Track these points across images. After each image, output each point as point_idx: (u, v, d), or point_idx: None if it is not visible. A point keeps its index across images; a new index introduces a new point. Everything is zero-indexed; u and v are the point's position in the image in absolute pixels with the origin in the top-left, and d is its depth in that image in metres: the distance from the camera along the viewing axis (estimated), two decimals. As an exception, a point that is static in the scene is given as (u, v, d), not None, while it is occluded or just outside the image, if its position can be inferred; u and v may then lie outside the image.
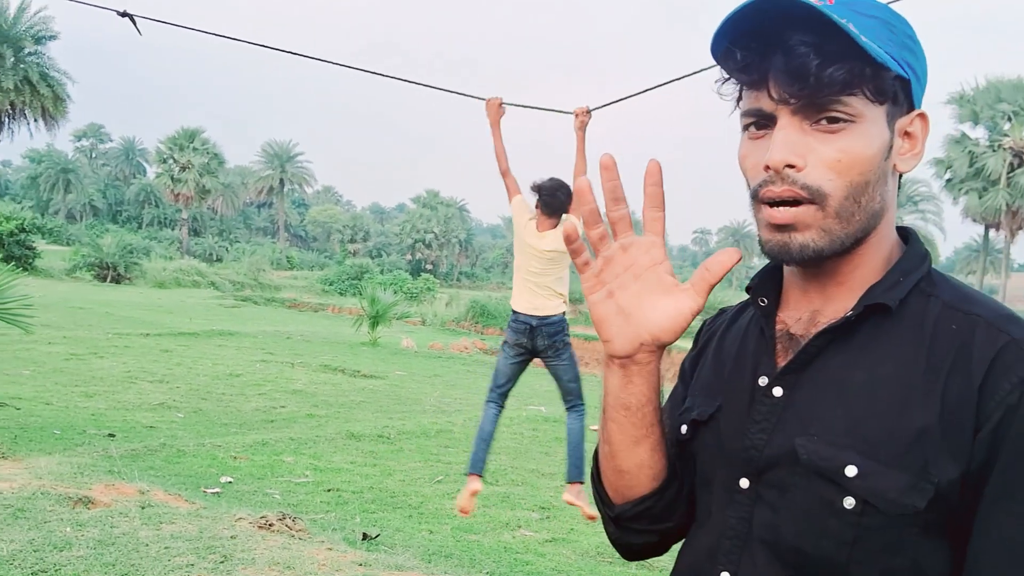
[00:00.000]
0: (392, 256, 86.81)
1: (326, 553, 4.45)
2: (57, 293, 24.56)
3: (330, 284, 50.63)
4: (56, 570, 3.79)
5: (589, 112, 5.17)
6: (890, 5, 1.01)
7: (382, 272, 56.78)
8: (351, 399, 11.96)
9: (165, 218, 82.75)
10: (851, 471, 0.88)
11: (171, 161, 64.71)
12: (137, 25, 5.73)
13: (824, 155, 0.91)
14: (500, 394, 5.64)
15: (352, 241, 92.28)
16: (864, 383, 0.91)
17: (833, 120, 0.91)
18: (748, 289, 1.07)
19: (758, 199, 0.95)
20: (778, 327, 1.02)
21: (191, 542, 4.31)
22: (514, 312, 5.49)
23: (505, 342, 5.57)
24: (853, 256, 0.96)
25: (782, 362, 0.99)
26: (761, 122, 0.95)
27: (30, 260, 34.03)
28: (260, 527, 4.65)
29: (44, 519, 4.36)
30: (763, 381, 0.99)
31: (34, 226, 37.83)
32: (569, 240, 0.97)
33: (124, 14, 5.71)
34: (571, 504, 5.68)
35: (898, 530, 0.87)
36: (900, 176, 1.00)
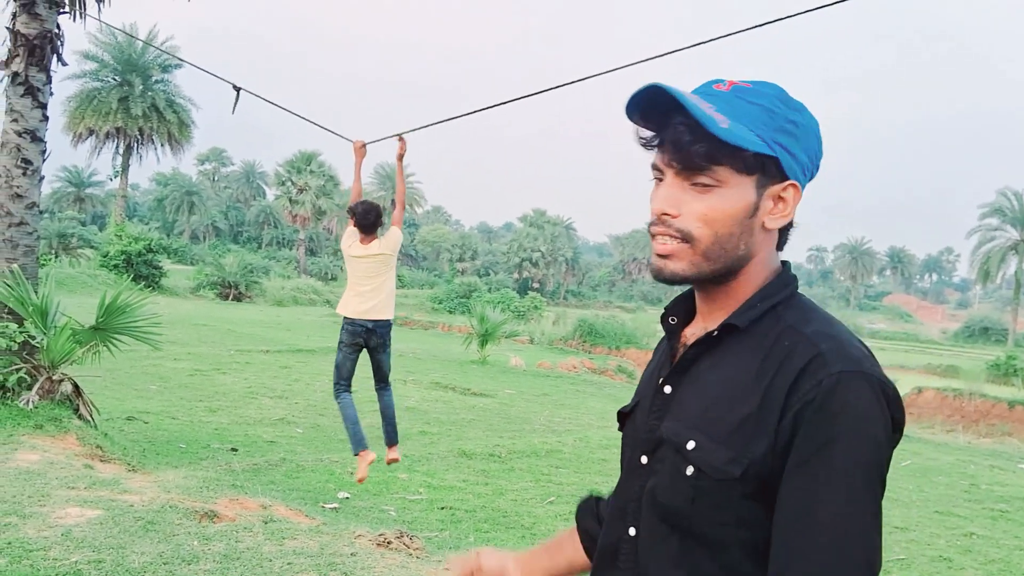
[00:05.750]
0: (499, 275, 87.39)
1: (443, 573, 4.44)
2: (182, 311, 25.66)
3: (439, 302, 51.29)
4: (185, 582, 3.88)
5: (364, 145, 6.60)
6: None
7: (490, 290, 57.14)
8: (462, 417, 12.03)
9: (283, 238, 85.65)
10: (691, 445, 1.16)
11: (289, 183, 66.94)
12: (237, 102, 6.77)
13: (695, 209, 1.17)
14: (347, 384, 6.65)
15: (460, 260, 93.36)
16: (715, 382, 1.18)
17: (703, 184, 1.16)
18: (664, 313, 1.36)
19: (650, 232, 1.22)
20: (682, 339, 1.30)
21: (313, 558, 4.36)
22: (349, 319, 6.43)
23: (342, 342, 6.54)
24: (729, 286, 1.23)
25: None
26: (659, 174, 1.21)
27: (157, 279, 35.68)
28: (379, 544, 4.67)
29: (172, 532, 4.49)
30: (661, 380, 1.27)
31: (160, 246, 39.64)
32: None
33: (237, 88, 6.94)
34: (394, 460, 6.99)
35: (724, 493, 1.12)
36: (786, 230, 1.25)
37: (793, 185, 1.20)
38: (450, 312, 46.55)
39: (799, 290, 1.27)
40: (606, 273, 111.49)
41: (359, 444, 6.57)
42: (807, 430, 1.07)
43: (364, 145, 6.64)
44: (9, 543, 4.06)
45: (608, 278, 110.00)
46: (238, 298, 37.66)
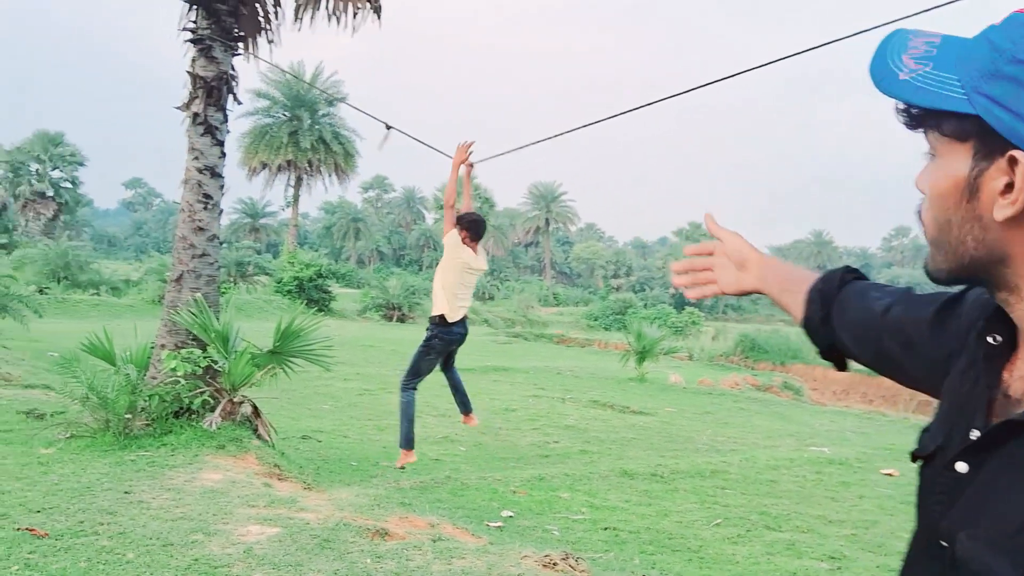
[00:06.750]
0: (655, 290, 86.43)
1: None
2: (350, 332, 26.71)
3: (595, 319, 51.28)
4: (358, 599, 3.99)
5: (471, 166, 6.87)
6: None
7: (645, 306, 56.65)
8: (622, 435, 11.89)
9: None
10: None
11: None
12: (386, 139, 7.54)
13: (921, 185, 0.93)
14: (418, 384, 7.12)
15: (615, 276, 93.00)
16: None
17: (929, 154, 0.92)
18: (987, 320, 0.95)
19: None
20: (1004, 375, 0.91)
21: (480, 579, 4.39)
22: (449, 323, 6.71)
23: (434, 349, 6.84)
24: (1013, 306, 0.89)
25: (997, 421, 0.88)
26: None
27: (327, 303, 37.43)
28: (545, 566, 4.66)
29: (347, 550, 4.63)
30: (975, 435, 0.89)
31: (329, 271, 41.59)
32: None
33: (388, 127, 7.49)
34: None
35: None
36: None
37: (1012, 158, 0.82)
38: (606, 329, 46.45)
39: None
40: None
41: (411, 443, 7.36)
42: None
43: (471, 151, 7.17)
44: (196, 559, 4.30)
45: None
46: (401, 319, 38.90)
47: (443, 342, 6.82)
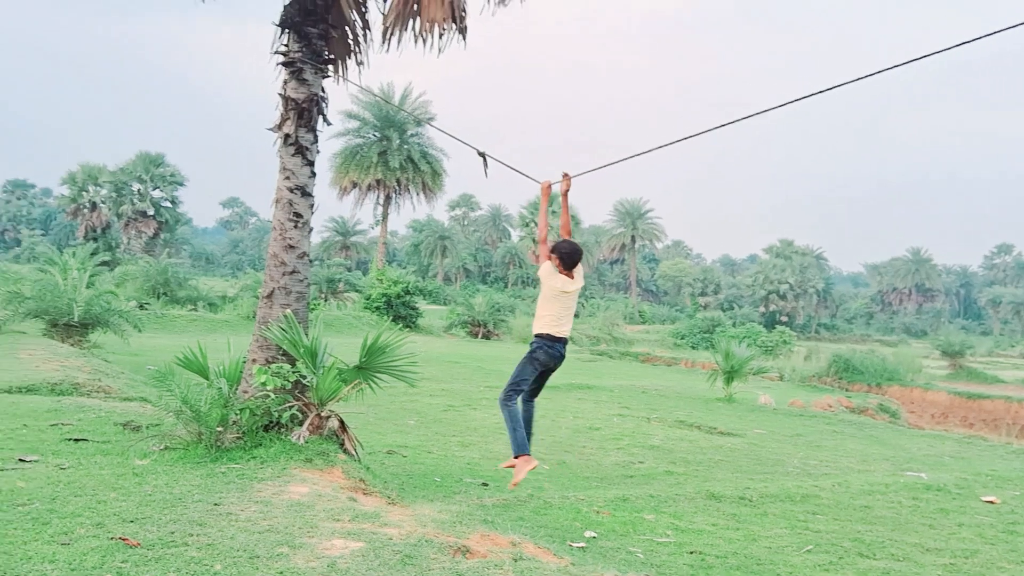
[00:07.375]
0: (744, 308, 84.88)
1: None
2: (436, 349, 26.98)
3: (682, 338, 50.59)
4: (439, 617, 3.97)
5: (569, 178, 7.20)
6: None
7: (734, 325, 55.66)
8: (709, 457, 11.66)
9: (527, 278, 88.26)
10: None
11: (532, 224, 69.05)
12: (487, 166, 7.72)
13: None
14: (519, 391, 6.99)
15: (703, 294, 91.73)
16: None
17: None
18: None
19: None
20: None
21: (560, 600, 4.33)
22: (551, 341, 6.79)
23: (537, 359, 6.86)
24: None
25: None
26: None
27: (414, 319, 37.93)
28: (626, 590, 4.57)
29: (428, 567, 4.63)
30: None
31: (417, 288, 42.20)
32: None
33: (481, 154, 7.65)
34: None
35: None
36: None
37: None
38: (693, 348, 45.79)
39: None
40: (863, 304, 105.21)
41: (524, 448, 6.92)
42: None
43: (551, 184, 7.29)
44: (281, 572, 4.36)
45: (865, 309, 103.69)
46: (487, 336, 39.11)
47: (547, 355, 6.83)
